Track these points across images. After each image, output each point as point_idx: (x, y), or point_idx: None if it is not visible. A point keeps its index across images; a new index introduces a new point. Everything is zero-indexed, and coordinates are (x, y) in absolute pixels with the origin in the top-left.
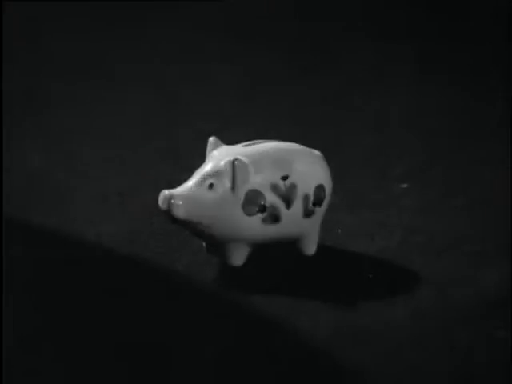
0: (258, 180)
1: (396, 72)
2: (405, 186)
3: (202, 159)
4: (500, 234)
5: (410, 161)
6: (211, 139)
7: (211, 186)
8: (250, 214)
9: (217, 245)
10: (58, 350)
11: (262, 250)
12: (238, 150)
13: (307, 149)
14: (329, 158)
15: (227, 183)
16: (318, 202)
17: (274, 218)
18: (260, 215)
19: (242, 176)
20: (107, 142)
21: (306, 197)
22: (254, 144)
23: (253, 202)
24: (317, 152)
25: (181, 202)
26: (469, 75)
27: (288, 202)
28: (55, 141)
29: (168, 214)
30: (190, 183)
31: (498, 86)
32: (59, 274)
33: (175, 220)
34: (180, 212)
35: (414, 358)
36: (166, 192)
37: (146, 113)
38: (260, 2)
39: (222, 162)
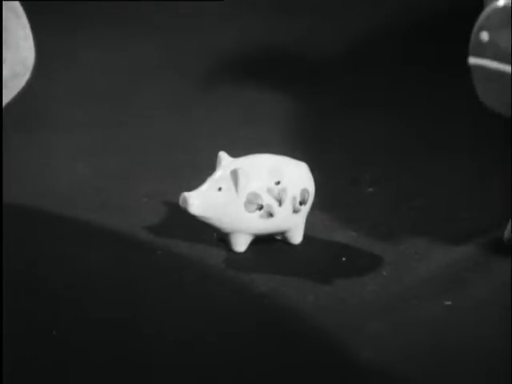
0: (256, 185)
1: (368, 101)
2: (371, 190)
3: (213, 169)
4: (446, 228)
5: (375, 170)
6: (220, 153)
7: (220, 189)
8: (250, 211)
9: (224, 235)
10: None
11: (260, 240)
12: (241, 162)
13: (294, 160)
14: (311, 167)
15: (232, 187)
16: (303, 201)
17: (269, 214)
18: (258, 212)
19: (244, 182)
20: (134, 154)
21: (293, 198)
22: (253, 156)
23: (252, 201)
24: (302, 163)
25: (196, 202)
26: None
27: (280, 202)
28: (92, 151)
29: (186, 211)
30: (204, 187)
31: (460, 101)
32: (100, 257)
33: (192, 216)
34: (195, 209)
35: (377, 326)
36: (185, 194)
37: (171, 132)
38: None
39: (229, 171)
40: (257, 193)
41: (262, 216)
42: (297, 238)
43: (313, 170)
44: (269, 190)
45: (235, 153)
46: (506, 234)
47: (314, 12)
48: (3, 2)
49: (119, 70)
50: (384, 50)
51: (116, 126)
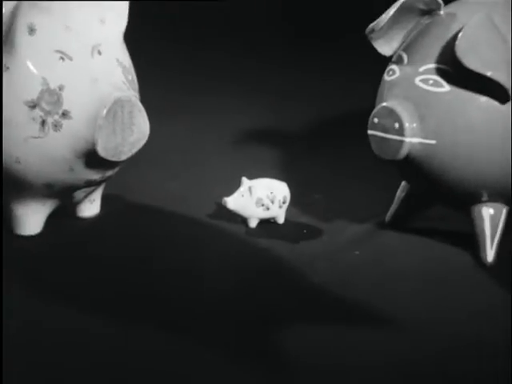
0: (260, 193)
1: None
2: (317, 196)
3: (233, 186)
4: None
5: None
6: (243, 178)
7: (243, 195)
8: (257, 207)
9: (245, 218)
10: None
11: (262, 221)
12: (253, 182)
13: (279, 181)
14: (288, 184)
15: (249, 195)
16: (284, 202)
17: (267, 208)
18: (261, 207)
19: (256, 194)
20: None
21: (279, 200)
22: (259, 179)
23: (258, 202)
24: (283, 182)
25: (231, 202)
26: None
27: (272, 202)
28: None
29: (226, 206)
30: (235, 195)
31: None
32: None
33: (229, 209)
34: (230, 206)
35: (324, 263)
36: (225, 198)
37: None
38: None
39: (247, 187)
40: (261, 197)
41: (263, 209)
42: (281, 220)
43: (289, 186)
44: (267, 196)
45: (246, 174)
46: (387, 217)
47: None
48: (126, 102)
49: None
50: None
51: None
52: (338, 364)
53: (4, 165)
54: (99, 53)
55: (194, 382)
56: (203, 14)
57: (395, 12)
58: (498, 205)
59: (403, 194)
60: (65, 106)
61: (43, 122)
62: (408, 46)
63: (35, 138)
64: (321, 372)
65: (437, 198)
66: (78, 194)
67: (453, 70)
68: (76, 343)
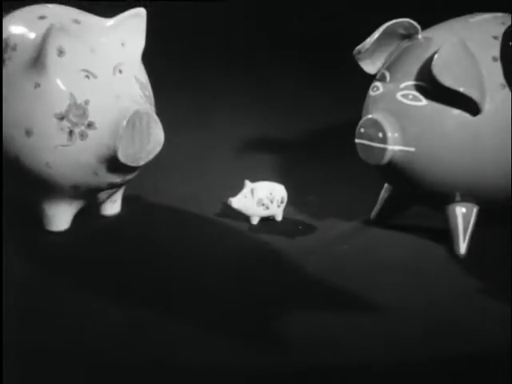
0: (261, 194)
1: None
2: (311, 197)
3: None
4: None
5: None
6: (246, 180)
7: (246, 196)
8: (258, 206)
9: (247, 216)
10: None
11: (263, 219)
12: (254, 184)
13: (278, 183)
14: (286, 187)
15: (251, 196)
16: (282, 202)
17: (267, 207)
18: (262, 207)
19: (257, 195)
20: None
21: (277, 200)
22: (260, 182)
23: (259, 202)
24: (281, 185)
25: (235, 202)
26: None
27: (271, 202)
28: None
29: (231, 206)
30: (239, 196)
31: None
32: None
33: (234, 208)
34: (235, 205)
35: (317, 257)
36: (230, 199)
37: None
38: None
39: (250, 189)
40: (261, 198)
41: (264, 208)
42: (279, 218)
43: (287, 188)
44: (266, 197)
45: (248, 177)
46: (372, 215)
47: None
48: (143, 114)
49: None
50: None
51: None
52: (329, 340)
53: (36, 169)
54: (120, 71)
55: (202, 361)
56: (206, 34)
57: (379, 36)
58: (470, 204)
59: (386, 195)
60: (90, 118)
61: (71, 132)
62: (390, 66)
63: (64, 146)
64: (314, 348)
65: (416, 198)
66: (101, 195)
67: (429, 86)
68: (94, 326)
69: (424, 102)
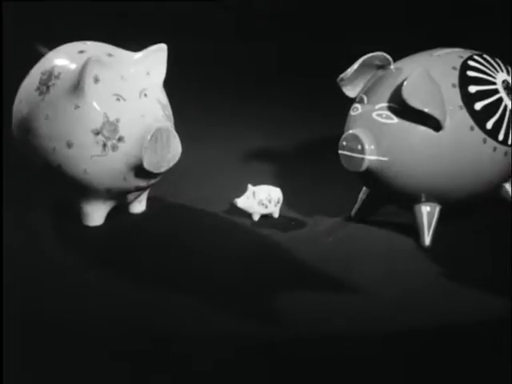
0: (261, 196)
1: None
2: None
3: (239, 190)
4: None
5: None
6: (249, 184)
7: (248, 197)
8: (259, 206)
9: (250, 213)
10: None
11: (263, 216)
12: (255, 187)
13: (274, 187)
14: (282, 190)
15: (253, 197)
16: (278, 202)
17: (266, 207)
18: (262, 206)
19: (259, 196)
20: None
21: (274, 200)
22: (260, 186)
23: (259, 202)
24: (278, 188)
25: (240, 202)
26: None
27: (270, 203)
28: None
29: (236, 205)
30: (243, 197)
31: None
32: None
33: (238, 207)
34: (239, 205)
35: (310, 248)
36: (235, 199)
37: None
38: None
39: (252, 191)
40: (261, 199)
41: (263, 208)
42: (276, 215)
43: (282, 190)
44: (266, 198)
45: (250, 182)
46: (352, 212)
47: None
48: (164, 131)
49: None
50: None
51: None
52: (318, 314)
53: (76, 175)
54: (145, 95)
55: (208, 340)
56: (219, 63)
57: (358, 66)
58: (433, 204)
59: (364, 196)
60: (120, 133)
61: (104, 145)
62: (367, 91)
63: (98, 156)
64: (305, 320)
65: (389, 199)
66: (130, 196)
67: (400, 107)
68: (120, 304)
69: (395, 120)
